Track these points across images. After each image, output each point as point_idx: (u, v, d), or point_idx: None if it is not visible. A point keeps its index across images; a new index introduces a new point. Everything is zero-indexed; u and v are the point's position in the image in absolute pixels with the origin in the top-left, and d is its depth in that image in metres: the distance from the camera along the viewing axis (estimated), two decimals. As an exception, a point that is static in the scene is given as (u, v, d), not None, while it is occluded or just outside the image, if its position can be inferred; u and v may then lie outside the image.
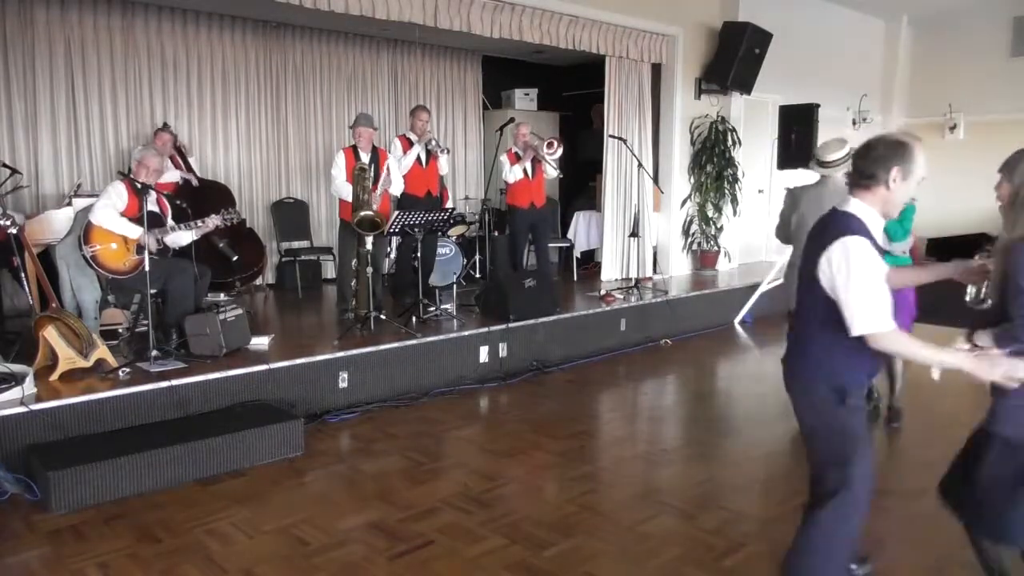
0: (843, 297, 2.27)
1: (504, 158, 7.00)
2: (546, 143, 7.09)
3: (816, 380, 2.43)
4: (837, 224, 2.34)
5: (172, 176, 6.34)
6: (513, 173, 6.94)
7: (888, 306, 2.26)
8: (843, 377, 2.39)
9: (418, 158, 6.57)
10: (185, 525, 3.38)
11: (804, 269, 2.44)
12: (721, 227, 8.99)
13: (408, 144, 6.57)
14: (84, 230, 4.69)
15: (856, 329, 2.26)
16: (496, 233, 8.09)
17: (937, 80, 10.97)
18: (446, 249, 7.47)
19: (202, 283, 5.10)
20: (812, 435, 2.50)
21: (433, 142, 6.61)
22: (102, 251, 4.67)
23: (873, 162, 2.31)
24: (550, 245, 8.94)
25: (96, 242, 4.66)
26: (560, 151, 7.09)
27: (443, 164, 6.80)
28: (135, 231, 4.68)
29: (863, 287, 2.24)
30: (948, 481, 2.64)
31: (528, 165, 6.98)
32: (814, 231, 2.45)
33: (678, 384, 6.10)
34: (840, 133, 10.44)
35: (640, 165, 7.93)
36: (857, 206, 2.35)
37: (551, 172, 7.09)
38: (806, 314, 2.46)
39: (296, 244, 8.00)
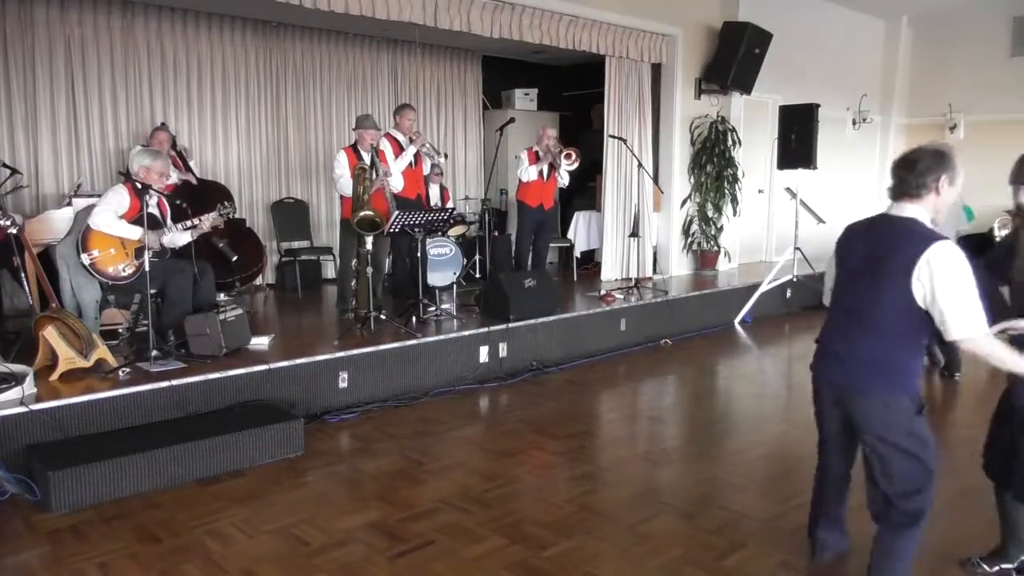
0: (944, 302, 2.30)
1: (524, 156, 7.11)
2: (564, 153, 7.16)
3: (898, 390, 2.47)
4: (916, 230, 2.41)
5: (172, 177, 6.33)
6: (528, 173, 7.06)
7: (982, 310, 2.33)
8: (918, 385, 2.50)
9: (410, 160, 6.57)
10: (185, 525, 3.38)
11: (879, 276, 2.44)
12: (721, 227, 8.99)
13: (396, 144, 6.54)
14: (82, 236, 4.66)
15: (955, 334, 2.31)
16: (496, 233, 8.09)
17: (937, 80, 10.98)
18: (446, 249, 7.47)
19: (207, 280, 5.08)
20: (891, 446, 2.49)
21: (427, 145, 6.61)
22: (101, 258, 4.66)
23: (921, 174, 2.42)
24: (550, 245, 9.00)
25: (95, 248, 4.64)
26: (577, 164, 7.19)
27: (425, 166, 6.83)
28: (135, 232, 4.67)
29: (965, 291, 2.30)
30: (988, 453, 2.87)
31: (544, 168, 7.07)
32: (868, 236, 2.54)
33: (678, 384, 6.09)
34: (840, 133, 10.52)
35: (640, 165, 7.94)
36: (916, 211, 2.45)
37: (564, 179, 7.22)
38: (883, 323, 2.45)
39: (296, 244, 8.00)
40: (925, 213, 2.45)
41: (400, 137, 6.56)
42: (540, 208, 7.18)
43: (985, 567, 2.94)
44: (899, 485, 2.51)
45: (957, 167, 2.45)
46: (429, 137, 8.54)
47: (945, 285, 2.30)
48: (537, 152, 7.16)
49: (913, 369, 2.49)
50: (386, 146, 6.49)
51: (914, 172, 2.42)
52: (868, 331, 2.48)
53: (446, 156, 7.21)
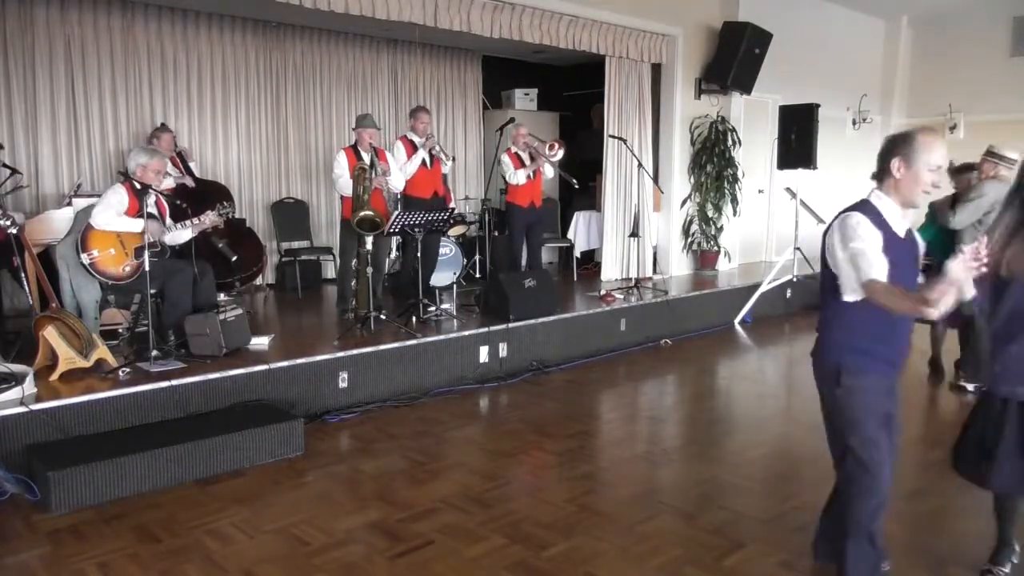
0: (839, 264, 2.44)
1: (506, 159, 7.05)
2: (547, 145, 7.14)
3: (827, 355, 2.59)
4: (847, 207, 2.52)
5: (168, 183, 6.31)
6: (517, 176, 7.02)
7: (875, 265, 2.35)
8: (841, 355, 2.53)
9: (423, 161, 6.58)
10: (185, 525, 3.38)
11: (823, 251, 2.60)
12: (721, 227, 8.99)
13: (411, 146, 6.56)
14: (81, 236, 4.66)
15: (846, 294, 2.45)
16: (496, 233, 8.09)
17: (937, 80, 10.97)
18: (446, 249, 7.48)
19: (207, 280, 5.08)
20: (826, 410, 2.66)
21: (438, 147, 6.61)
22: (101, 257, 4.66)
23: (880, 156, 2.47)
24: (549, 245, 9.00)
25: (94, 248, 4.65)
26: (561, 152, 7.15)
27: (444, 167, 6.83)
28: (138, 225, 4.67)
29: (853, 252, 2.38)
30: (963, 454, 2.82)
31: (531, 170, 7.06)
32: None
33: (678, 384, 6.09)
34: (840, 133, 10.53)
35: (640, 165, 7.93)
36: (875, 195, 2.50)
37: (549, 172, 7.18)
38: (823, 295, 2.61)
39: (296, 244, 8.00)
40: (885, 198, 2.47)
41: (416, 139, 6.58)
42: (532, 207, 7.17)
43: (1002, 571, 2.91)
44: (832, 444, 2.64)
45: (917, 149, 2.40)
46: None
47: (838, 249, 2.43)
48: (518, 154, 7.12)
49: (837, 336, 2.55)
50: (400, 149, 6.53)
51: (878, 156, 2.50)
52: (822, 303, 2.62)
53: (454, 159, 7.17)
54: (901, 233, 2.49)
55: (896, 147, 2.43)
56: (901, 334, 2.55)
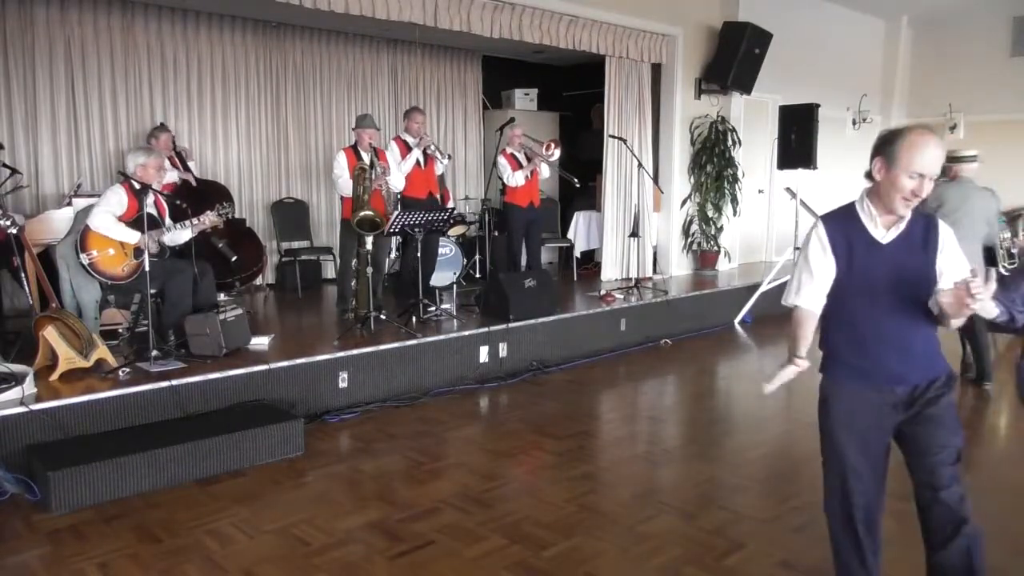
0: None
1: (503, 161, 7.04)
2: (544, 145, 7.15)
3: (824, 368, 2.46)
4: (830, 210, 2.42)
5: (170, 177, 6.34)
6: (516, 178, 7.04)
7: (800, 290, 2.35)
8: (824, 360, 2.43)
9: (416, 161, 6.57)
10: (185, 525, 3.38)
11: None
12: (721, 227, 9.00)
13: (405, 146, 6.55)
14: (81, 236, 4.67)
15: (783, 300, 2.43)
16: (496, 233, 8.09)
17: (937, 80, 10.98)
18: (446, 249, 7.48)
19: (207, 281, 5.08)
20: None
21: (433, 147, 6.62)
22: (100, 258, 4.67)
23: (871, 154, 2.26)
24: (549, 244, 9.01)
25: (93, 248, 4.65)
26: (558, 152, 7.17)
27: (438, 165, 6.84)
28: (133, 236, 4.67)
29: (798, 263, 2.39)
30: None
31: (529, 171, 7.08)
32: None
33: (678, 384, 6.10)
34: (840, 133, 10.52)
35: (640, 165, 7.93)
36: (861, 197, 2.32)
37: (546, 172, 7.22)
38: None
39: (296, 244, 8.00)
40: (865, 198, 2.27)
41: (410, 139, 6.58)
42: (531, 206, 7.19)
43: None
44: None
45: (898, 150, 2.13)
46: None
47: None
48: (514, 155, 7.13)
49: (831, 351, 2.39)
50: (394, 149, 6.52)
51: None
52: None
53: (450, 157, 7.17)
54: (884, 239, 2.26)
55: (881, 145, 2.19)
56: (877, 349, 2.30)
